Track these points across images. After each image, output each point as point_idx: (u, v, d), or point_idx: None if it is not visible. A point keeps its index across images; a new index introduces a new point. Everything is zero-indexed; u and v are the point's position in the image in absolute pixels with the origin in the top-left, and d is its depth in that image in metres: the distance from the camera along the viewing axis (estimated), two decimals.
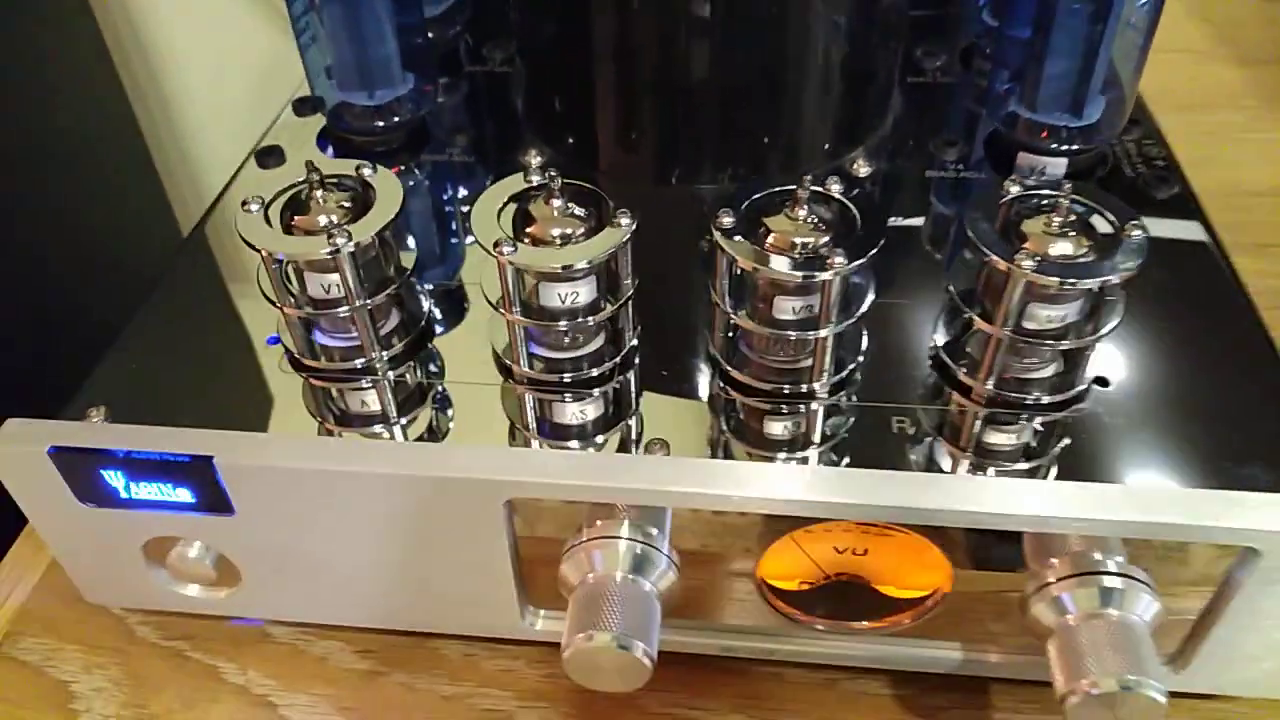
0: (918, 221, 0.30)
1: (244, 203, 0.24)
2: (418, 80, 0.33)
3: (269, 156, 0.33)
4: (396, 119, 0.33)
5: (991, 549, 0.23)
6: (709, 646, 0.26)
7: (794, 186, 0.23)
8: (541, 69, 0.35)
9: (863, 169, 0.32)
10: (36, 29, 0.54)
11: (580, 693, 0.27)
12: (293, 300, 0.25)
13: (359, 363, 0.25)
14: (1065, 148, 0.30)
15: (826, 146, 0.33)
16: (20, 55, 0.52)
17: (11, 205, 0.49)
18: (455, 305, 0.28)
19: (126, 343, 0.27)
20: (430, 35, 0.35)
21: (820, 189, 0.23)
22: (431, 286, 0.28)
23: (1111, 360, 0.25)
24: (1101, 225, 0.23)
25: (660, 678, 0.27)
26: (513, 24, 0.35)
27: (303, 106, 0.36)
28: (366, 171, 0.25)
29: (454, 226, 0.31)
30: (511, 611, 0.25)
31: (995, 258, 0.22)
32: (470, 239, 0.30)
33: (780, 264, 0.22)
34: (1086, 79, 0.29)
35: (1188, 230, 0.29)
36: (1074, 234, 0.22)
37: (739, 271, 0.23)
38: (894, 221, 0.30)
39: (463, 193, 0.32)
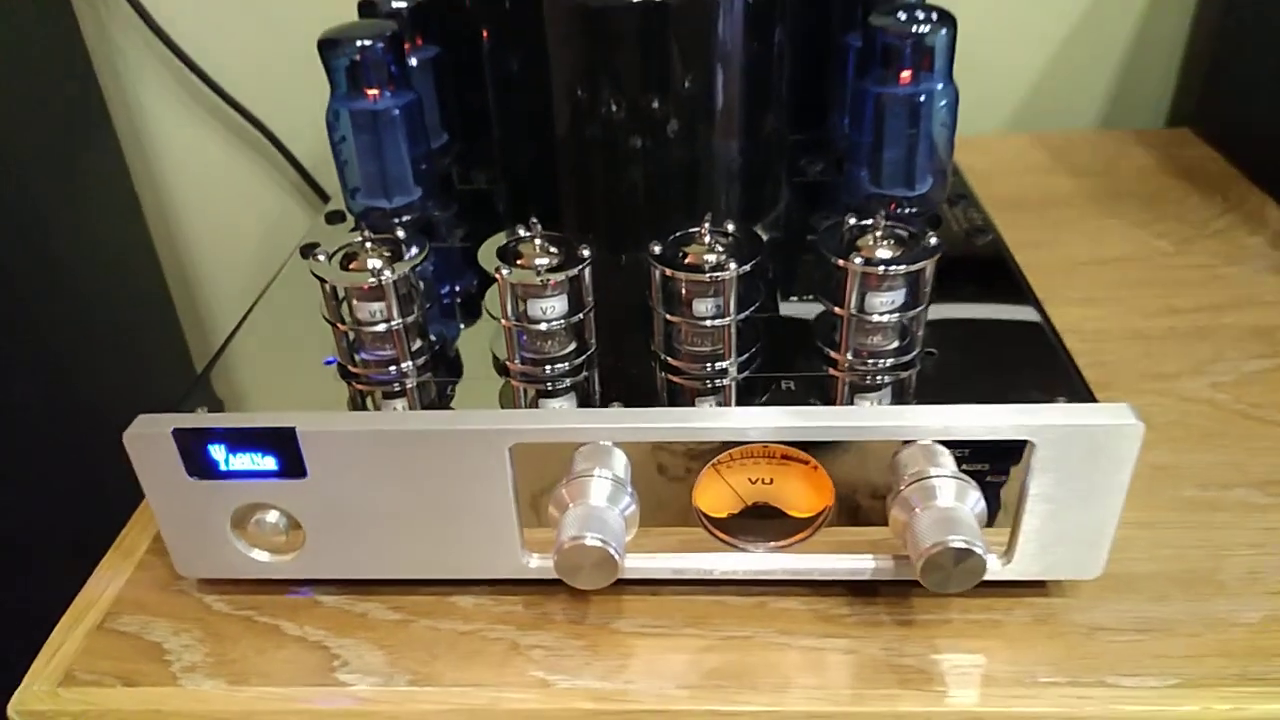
0: (801, 268, 0.41)
1: (315, 255, 0.34)
2: (424, 192, 0.44)
3: (310, 249, 0.43)
4: (408, 218, 0.43)
5: (863, 471, 0.32)
6: (663, 570, 0.34)
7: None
8: (520, 185, 0.46)
9: (763, 236, 0.42)
10: (81, 186, 0.65)
11: (567, 622, 0.35)
12: (345, 323, 0.34)
13: (393, 369, 0.35)
14: (907, 211, 0.42)
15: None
16: (60, 202, 0.63)
17: (46, 333, 0.58)
18: (463, 336, 0.37)
19: (215, 367, 0.36)
20: (432, 161, 0.46)
21: (717, 228, 0.34)
22: (444, 323, 0.38)
23: (938, 340, 0.35)
24: (908, 237, 0.33)
25: (627, 608, 0.35)
26: (498, 154, 0.46)
27: (333, 217, 0.46)
28: (401, 233, 0.35)
29: (459, 285, 0.41)
30: (514, 550, 0.33)
31: (839, 261, 0.32)
32: (470, 301, 0.40)
33: (692, 271, 0.32)
34: (913, 160, 0.41)
35: (996, 259, 0.40)
36: (889, 242, 0.33)
37: (668, 282, 0.33)
38: (783, 269, 0.40)
39: (463, 265, 0.42)
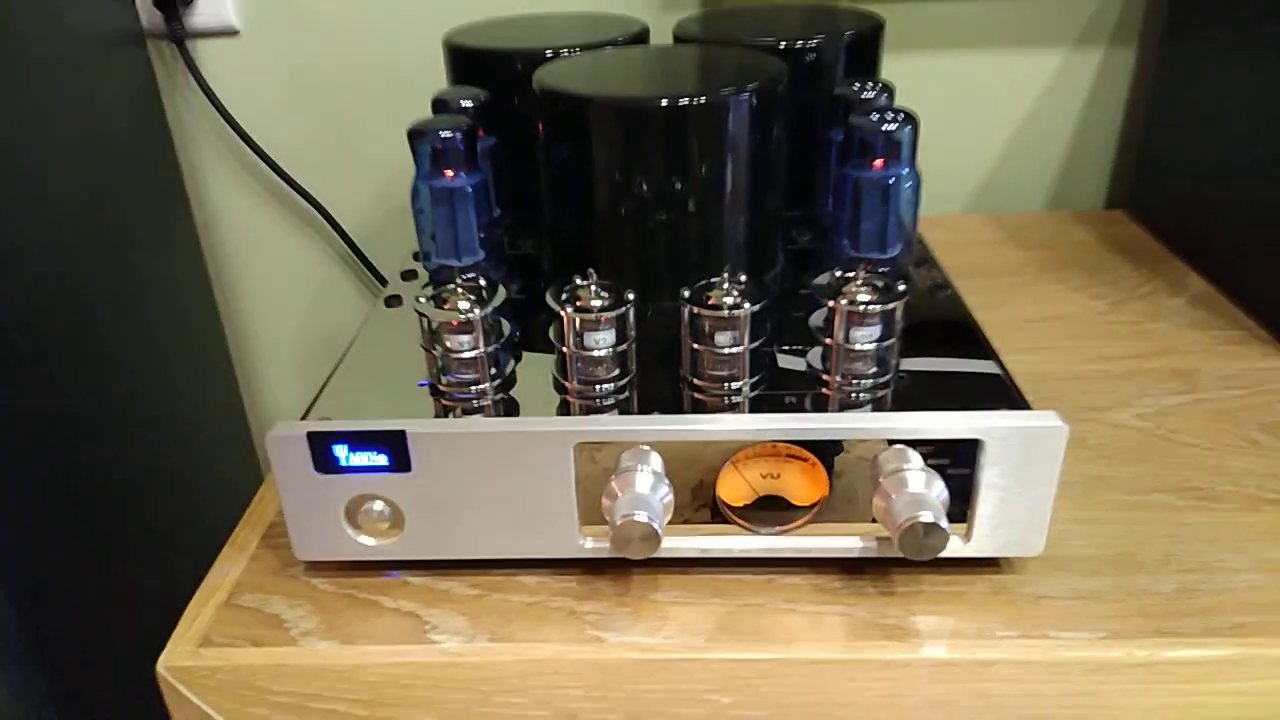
0: (796, 315, 0.50)
1: (416, 297, 0.43)
2: (486, 254, 0.53)
3: (394, 300, 0.52)
4: (473, 275, 0.52)
5: (850, 468, 0.41)
6: (692, 550, 0.42)
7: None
8: (563, 249, 0.55)
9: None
10: (162, 255, 0.74)
11: (614, 595, 0.43)
12: (438, 351, 0.43)
13: (474, 389, 0.43)
14: (881, 271, 0.51)
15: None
16: (145, 269, 0.72)
17: (120, 403, 0.67)
18: (522, 367, 0.46)
19: (329, 390, 0.44)
20: (491, 230, 0.55)
21: (733, 278, 0.43)
22: (506, 356, 0.47)
23: (910, 365, 0.44)
24: (882, 286, 0.43)
25: (662, 584, 0.43)
26: (545, 224, 0.55)
27: (408, 275, 0.55)
28: (483, 282, 0.44)
29: (515, 327, 0.50)
30: (573, 533, 0.42)
31: (830, 301, 0.42)
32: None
33: (714, 310, 0.41)
34: (885, 230, 0.50)
35: (952, 307, 0.50)
36: (868, 289, 0.42)
37: (695, 319, 0.42)
38: (780, 316, 0.49)
39: (515, 313, 0.51)
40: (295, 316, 0.87)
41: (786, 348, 0.46)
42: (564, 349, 0.42)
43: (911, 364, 0.44)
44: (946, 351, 0.46)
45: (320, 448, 0.40)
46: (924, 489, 0.40)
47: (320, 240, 0.84)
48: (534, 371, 0.46)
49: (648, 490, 0.40)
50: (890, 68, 0.79)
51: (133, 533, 0.66)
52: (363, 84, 0.79)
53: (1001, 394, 0.42)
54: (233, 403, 0.85)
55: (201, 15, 0.76)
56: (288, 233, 0.84)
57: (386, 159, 0.82)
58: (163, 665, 0.41)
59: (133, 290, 0.69)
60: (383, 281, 0.85)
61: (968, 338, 0.47)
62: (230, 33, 0.77)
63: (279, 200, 0.83)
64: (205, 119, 0.80)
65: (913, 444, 0.40)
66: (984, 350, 0.46)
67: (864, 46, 0.61)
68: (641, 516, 0.38)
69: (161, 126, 0.76)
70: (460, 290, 0.43)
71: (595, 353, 0.42)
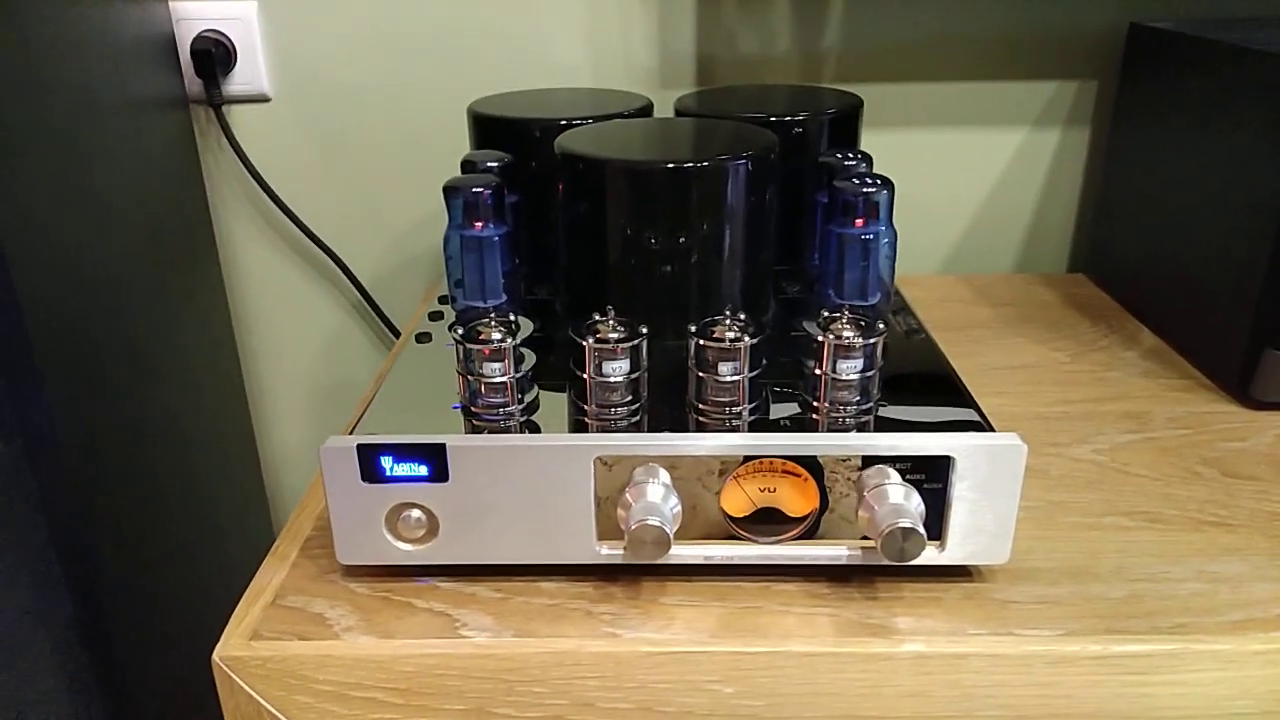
0: (788, 354, 0.56)
1: (451, 327, 0.48)
2: (508, 297, 0.59)
3: (424, 337, 0.57)
4: (496, 315, 0.58)
5: (837, 484, 0.46)
6: (697, 556, 0.47)
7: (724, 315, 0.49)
8: (578, 294, 0.61)
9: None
10: (193, 299, 0.79)
11: (626, 598, 0.47)
12: (473, 376, 0.48)
13: (502, 411, 0.48)
14: (863, 314, 0.57)
15: None
16: (179, 311, 0.77)
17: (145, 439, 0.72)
18: (545, 393, 0.51)
19: (370, 412, 0.49)
20: (511, 276, 0.61)
21: (734, 317, 0.49)
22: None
23: (887, 396, 0.50)
24: (865, 324, 0.49)
25: (669, 589, 0.48)
26: (561, 272, 0.61)
27: (434, 316, 0.61)
28: (512, 316, 0.49)
29: (538, 358, 0.55)
30: (590, 540, 0.46)
31: (818, 337, 0.47)
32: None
33: (718, 343, 0.47)
34: (865, 279, 0.56)
35: (926, 348, 0.56)
36: (852, 327, 0.48)
37: (701, 351, 0.48)
38: (773, 355, 0.55)
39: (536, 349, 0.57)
40: (307, 359, 0.92)
41: (780, 380, 0.52)
42: (584, 376, 0.48)
43: (890, 393, 0.50)
44: (921, 384, 0.52)
45: (368, 459, 0.45)
46: (903, 500, 0.45)
47: (335, 289, 0.90)
48: (551, 400, 0.51)
49: (659, 500, 0.45)
50: (869, 142, 0.87)
51: (166, 541, 0.71)
52: (379, 147, 0.86)
53: (969, 417, 0.48)
54: (246, 434, 0.90)
55: (237, 84, 0.83)
56: (305, 281, 0.90)
57: (400, 216, 0.88)
58: (218, 656, 0.45)
59: (167, 326, 0.74)
60: (391, 328, 0.90)
61: (938, 370, 0.53)
62: (262, 99, 0.84)
63: (298, 252, 0.89)
64: (235, 175, 0.86)
65: (892, 461, 0.46)
66: (953, 384, 0.51)
67: (845, 121, 0.68)
68: (654, 521, 0.43)
69: (197, 181, 0.82)
70: (493, 323, 0.49)
71: (612, 379, 0.48)
